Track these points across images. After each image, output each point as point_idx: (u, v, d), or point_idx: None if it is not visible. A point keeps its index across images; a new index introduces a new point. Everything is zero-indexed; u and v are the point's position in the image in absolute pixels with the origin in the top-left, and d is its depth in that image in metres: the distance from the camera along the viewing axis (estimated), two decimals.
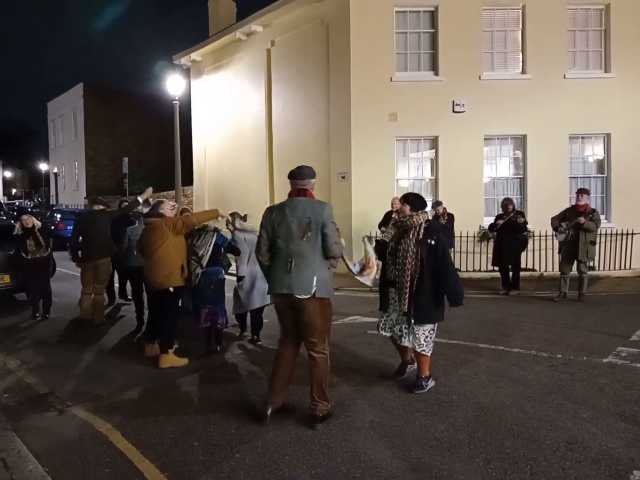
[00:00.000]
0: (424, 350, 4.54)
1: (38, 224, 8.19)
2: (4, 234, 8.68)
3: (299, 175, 4.04)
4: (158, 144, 29.03)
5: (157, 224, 5.46)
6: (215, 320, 5.81)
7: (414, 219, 4.48)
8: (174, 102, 15.58)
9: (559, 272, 9.00)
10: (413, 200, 4.59)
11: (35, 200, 54.38)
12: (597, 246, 9.15)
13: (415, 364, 4.80)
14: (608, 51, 12.14)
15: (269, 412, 3.96)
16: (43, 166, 47.10)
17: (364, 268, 4.73)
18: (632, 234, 11.72)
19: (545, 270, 11.40)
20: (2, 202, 43.29)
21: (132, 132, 30.76)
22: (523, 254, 9.88)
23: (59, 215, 21.13)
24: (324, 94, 12.82)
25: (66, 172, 35.30)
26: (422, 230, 4.45)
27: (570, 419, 3.96)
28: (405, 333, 4.57)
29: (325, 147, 12.82)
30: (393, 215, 9.86)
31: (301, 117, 13.61)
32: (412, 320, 4.47)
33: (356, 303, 8.89)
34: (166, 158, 23.28)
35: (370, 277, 4.75)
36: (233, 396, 4.60)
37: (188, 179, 18.89)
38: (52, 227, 19.63)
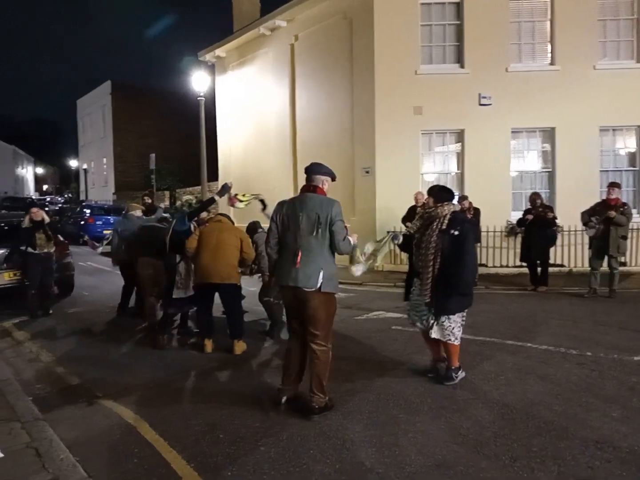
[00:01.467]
0: (450, 340, 4.53)
1: (47, 218, 8.17)
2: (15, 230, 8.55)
3: (311, 172, 4.14)
4: (183, 140, 29.36)
5: (231, 225, 6.03)
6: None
7: (439, 210, 4.48)
8: (199, 98, 15.72)
9: (589, 268, 8.80)
10: (437, 192, 4.61)
11: (66, 196, 55.67)
12: (628, 241, 8.92)
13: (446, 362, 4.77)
14: None
15: (283, 400, 4.17)
16: (73, 163, 48.11)
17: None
18: None
19: (575, 266, 11.15)
20: (34, 198, 44.41)
21: (158, 129, 31.16)
22: (552, 250, 9.70)
23: (88, 211, 21.55)
24: (347, 88, 12.77)
25: (95, 169, 36.03)
26: (446, 221, 4.44)
27: (599, 417, 3.88)
28: (432, 324, 4.56)
29: (349, 142, 12.78)
30: (418, 210, 9.81)
31: (325, 112, 13.59)
32: (438, 312, 4.48)
33: (380, 298, 8.86)
34: (191, 154, 23.57)
35: (359, 268, 4.92)
36: (258, 389, 4.64)
37: (214, 175, 19.07)
38: (82, 222, 20.08)
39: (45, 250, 7.91)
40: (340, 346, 5.85)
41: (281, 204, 4.16)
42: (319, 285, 3.89)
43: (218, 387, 4.76)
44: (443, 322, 4.51)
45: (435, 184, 12.03)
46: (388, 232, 4.96)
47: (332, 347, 4.13)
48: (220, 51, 17.41)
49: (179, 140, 29.97)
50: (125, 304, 7.95)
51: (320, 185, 4.11)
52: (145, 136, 31.16)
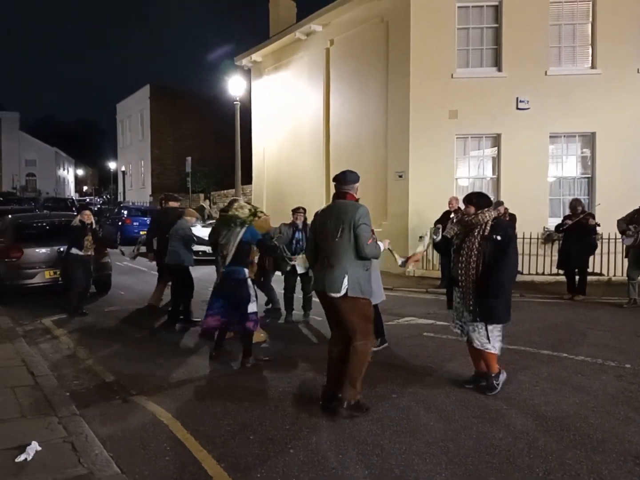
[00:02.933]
0: (488, 349, 4.45)
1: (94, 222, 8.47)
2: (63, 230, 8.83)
3: (341, 180, 4.24)
4: (219, 143, 29.79)
5: None
6: (225, 325, 5.63)
7: (480, 217, 4.42)
8: (235, 102, 15.96)
9: (628, 278, 8.52)
10: (477, 199, 4.55)
11: (104, 197, 57.22)
12: None
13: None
14: None
15: (321, 401, 4.22)
16: (112, 165, 49.42)
17: (407, 259, 4.86)
18: None
19: (614, 275, 10.80)
20: (74, 198, 45.77)
21: (195, 132, 31.72)
22: (591, 258, 9.43)
23: (125, 212, 22.09)
24: (382, 92, 12.73)
25: (133, 171, 36.92)
26: (488, 228, 4.38)
27: (638, 432, 3.75)
28: (472, 331, 4.48)
29: (382, 146, 12.74)
30: (452, 216, 9.69)
31: (359, 116, 13.59)
32: (478, 319, 4.40)
33: (412, 304, 8.78)
34: (226, 157, 23.90)
35: (409, 264, 4.89)
36: (289, 392, 4.67)
37: (247, 178, 19.30)
38: (120, 223, 20.58)
39: (89, 253, 8.13)
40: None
41: (317, 213, 4.36)
42: (343, 290, 3.96)
43: (249, 389, 4.80)
44: (481, 329, 4.42)
45: (470, 190, 11.98)
46: (430, 229, 4.96)
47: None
48: (256, 56, 17.63)
49: (215, 143, 30.43)
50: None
51: (351, 192, 4.20)
52: (182, 139, 31.78)
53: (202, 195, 26.88)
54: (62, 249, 8.37)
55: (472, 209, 4.49)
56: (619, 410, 4.14)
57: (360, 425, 3.91)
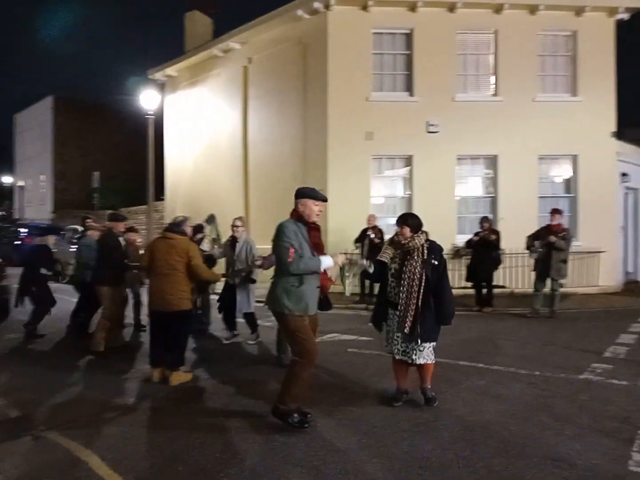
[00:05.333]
0: (431, 360, 4.62)
1: None
2: None
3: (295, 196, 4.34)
4: (130, 158, 28.60)
5: (183, 242, 5.46)
6: None
7: (416, 241, 4.48)
8: (147, 116, 15.44)
9: (533, 289, 9.19)
10: (412, 220, 4.57)
11: None
12: (569, 264, 9.37)
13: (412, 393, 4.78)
14: (575, 75, 12.61)
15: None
16: (7, 179, 45.72)
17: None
18: (598, 252, 12.09)
19: (516, 287, 11.61)
20: None
21: (103, 146, 30.19)
22: (496, 271, 10.06)
23: (25, 230, 20.48)
24: (301, 112, 12.91)
25: (32, 186, 34.39)
26: (425, 251, 4.45)
27: (554, 436, 4.01)
28: (414, 351, 4.52)
29: (301, 164, 12.88)
30: (368, 232, 9.96)
31: (277, 135, 13.65)
32: (419, 340, 4.44)
33: (333, 320, 8.83)
34: (138, 173, 22.95)
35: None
36: (215, 417, 4.51)
37: (160, 195, 18.66)
38: (20, 242, 19.06)
39: None
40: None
41: None
42: (268, 304, 4.23)
43: (171, 417, 4.57)
44: (422, 349, 4.51)
45: (385, 208, 12.41)
46: (364, 262, 4.59)
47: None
48: (171, 70, 17.22)
49: (126, 158, 29.16)
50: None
51: (296, 208, 4.26)
52: (88, 153, 30.09)
53: (108, 212, 25.61)
54: None
55: (407, 230, 4.50)
56: (535, 416, 4.41)
57: (293, 447, 3.86)
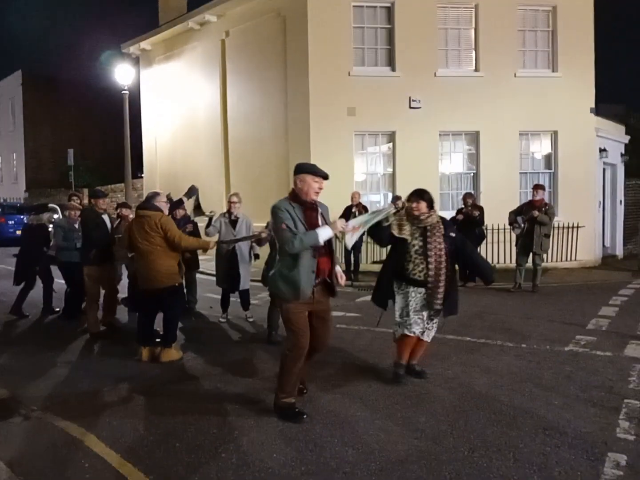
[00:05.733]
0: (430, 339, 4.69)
1: None
2: None
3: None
4: (105, 135, 27.97)
5: (154, 217, 5.26)
6: None
7: (434, 217, 4.46)
8: (123, 92, 15.07)
9: (516, 264, 9.33)
10: (428, 196, 4.50)
11: None
12: (550, 239, 9.54)
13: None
14: (555, 51, 12.64)
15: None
16: None
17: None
18: (578, 227, 12.31)
19: (498, 263, 11.78)
20: None
21: (77, 123, 29.38)
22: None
23: None
24: (281, 87, 12.70)
25: (3, 165, 33.41)
26: (442, 226, 4.47)
27: (543, 406, 4.11)
28: (430, 328, 4.58)
29: (283, 140, 12.73)
30: (353, 210, 9.95)
31: (258, 110, 13.44)
32: (442, 315, 4.54)
33: None
34: (113, 150, 22.53)
35: (352, 238, 4.27)
36: (209, 395, 4.51)
37: (138, 172, 18.33)
38: None
39: None
40: None
41: None
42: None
43: (165, 395, 4.55)
44: (435, 326, 4.59)
45: (369, 184, 12.39)
46: (384, 211, 4.30)
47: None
48: (145, 44, 16.73)
49: (101, 135, 28.50)
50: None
51: (293, 186, 3.98)
52: (62, 131, 29.24)
53: (85, 191, 25.08)
54: None
55: (423, 205, 4.43)
56: (524, 387, 4.51)
57: (289, 422, 3.88)
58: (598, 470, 3.17)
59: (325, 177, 3.91)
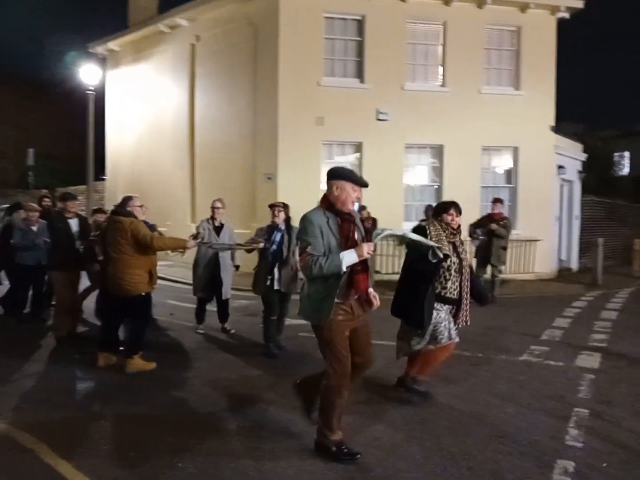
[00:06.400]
0: None
1: None
2: None
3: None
4: (69, 135, 27.27)
5: (125, 223, 5.15)
6: None
7: (461, 231, 4.38)
8: (88, 92, 14.76)
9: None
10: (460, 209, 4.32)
11: None
12: (508, 251, 9.81)
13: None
14: (519, 70, 13.07)
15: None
16: None
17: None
18: (535, 240, 12.70)
19: None
20: None
21: (41, 123, 28.59)
22: None
23: None
24: (251, 93, 12.71)
25: None
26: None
27: (498, 414, 4.23)
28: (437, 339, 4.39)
29: (251, 147, 12.72)
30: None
31: (226, 116, 13.40)
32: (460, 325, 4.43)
33: None
34: (77, 151, 21.95)
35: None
36: (164, 402, 4.45)
37: (101, 174, 17.96)
38: None
39: None
40: (252, 356, 5.81)
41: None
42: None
43: (119, 403, 4.47)
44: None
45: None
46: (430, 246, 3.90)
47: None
48: (113, 44, 16.49)
49: (65, 136, 27.77)
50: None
51: (327, 193, 3.46)
52: (25, 130, 28.41)
53: (44, 191, 24.41)
54: None
55: (459, 219, 4.25)
56: (479, 396, 4.63)
57: (247, 434, 3.87)
58: (547, 477, 3.28)
59: (365, 185, 3.46)
